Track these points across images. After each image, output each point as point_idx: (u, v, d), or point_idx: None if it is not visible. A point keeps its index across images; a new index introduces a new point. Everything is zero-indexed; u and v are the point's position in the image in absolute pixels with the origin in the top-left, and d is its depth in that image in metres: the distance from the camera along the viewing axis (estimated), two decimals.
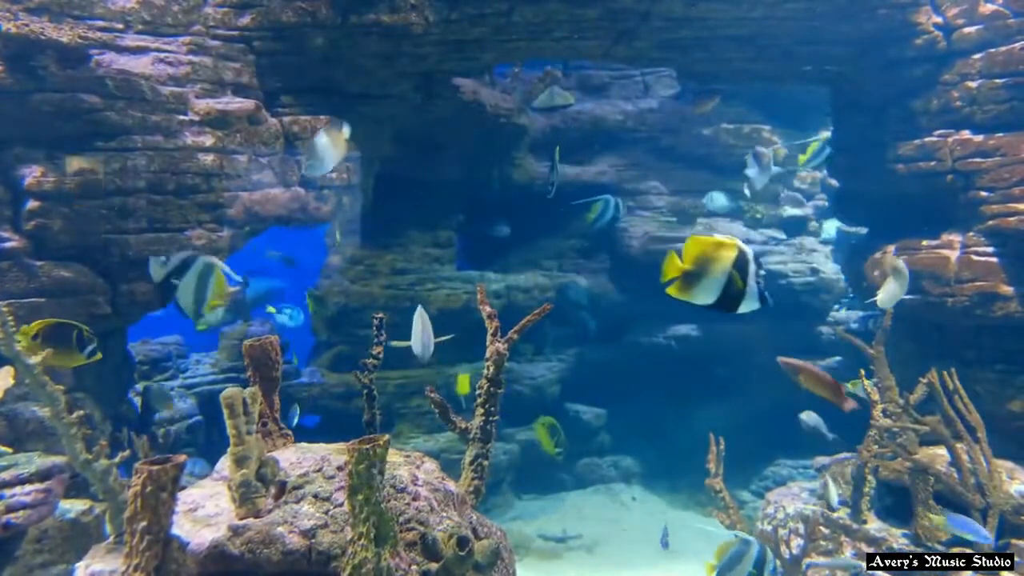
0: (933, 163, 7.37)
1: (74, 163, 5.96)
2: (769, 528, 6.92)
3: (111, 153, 6.14)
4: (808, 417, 8.34)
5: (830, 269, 11.26)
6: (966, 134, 7.17)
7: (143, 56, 6.54)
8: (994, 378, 6.98)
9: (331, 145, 6.10)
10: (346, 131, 6.25)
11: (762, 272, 3.43)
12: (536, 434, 9.47)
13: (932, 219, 7.59)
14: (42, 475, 5.29)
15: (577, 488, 11.42)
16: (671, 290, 3.54)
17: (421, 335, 5.84)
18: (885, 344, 6.86)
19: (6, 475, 5.16)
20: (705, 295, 3.49)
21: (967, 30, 7.12)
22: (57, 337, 4.98)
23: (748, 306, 3.46)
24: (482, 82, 10.63)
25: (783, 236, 11.94)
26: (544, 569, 8.93)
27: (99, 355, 5.26)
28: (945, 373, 6.06)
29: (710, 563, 5.49)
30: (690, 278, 3.48)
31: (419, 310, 5.98)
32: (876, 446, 6.34)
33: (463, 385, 8.72)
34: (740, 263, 3.42)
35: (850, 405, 5.48)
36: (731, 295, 3.45)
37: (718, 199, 11.57)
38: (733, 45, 8.06)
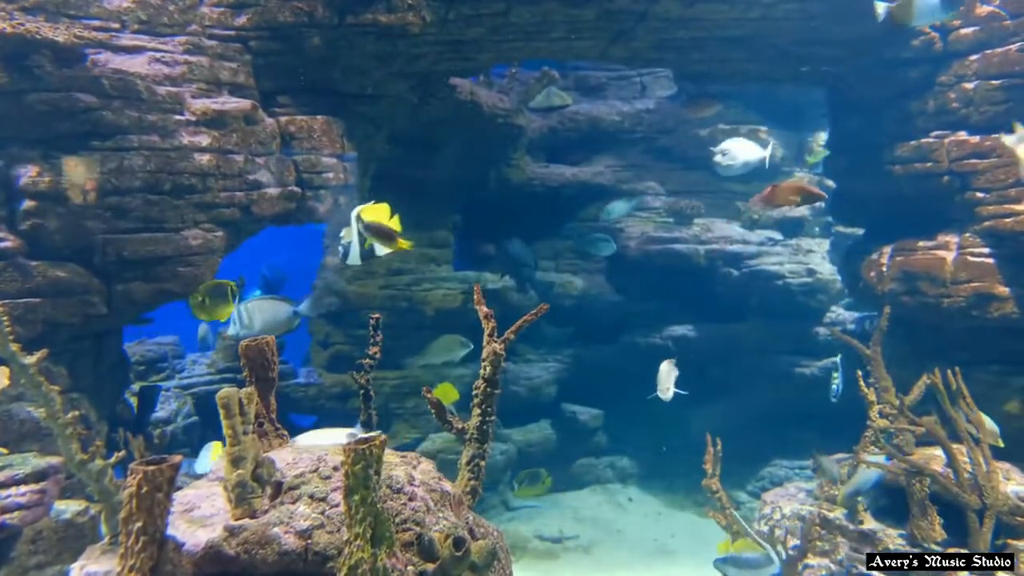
0: (929, 164, 7.38)
1: (71, 164, 5.94)
2: (766, 529, 6.92)
3: (107, 153, 6.12)
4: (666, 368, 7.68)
5: (826, 270, 11.28)
6: (962, 135, 7.18)
7: (139, 56, 6.52)
8: (990, 379, 6.97)
9: None
10: None
11: None
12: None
13: (928, 220, 7.60)
14: (37, 476, 5.27)
15: (574, 488, 11.43)
16: None
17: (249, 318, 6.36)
18: (881, 345, 6.87)
19: (1, 476, 5.15)
20: None
21: (963, 31, 7.13)
22: (216, 293, 6.18)
23: None
24: (479, 82, 10.63)
25: (780, 236, 11.96)
26: (541, 569, 8.94)
27: None
28: (949, 372, 6.02)
29: (728, 544, 5.56)
30: None
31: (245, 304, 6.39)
32: (873, 447, 6.35)
33: (448, 394, 8.51)
34: None
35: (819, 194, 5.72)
36: None
37: (616, 209, 11.42)
38: (730, 46, 8.07)
